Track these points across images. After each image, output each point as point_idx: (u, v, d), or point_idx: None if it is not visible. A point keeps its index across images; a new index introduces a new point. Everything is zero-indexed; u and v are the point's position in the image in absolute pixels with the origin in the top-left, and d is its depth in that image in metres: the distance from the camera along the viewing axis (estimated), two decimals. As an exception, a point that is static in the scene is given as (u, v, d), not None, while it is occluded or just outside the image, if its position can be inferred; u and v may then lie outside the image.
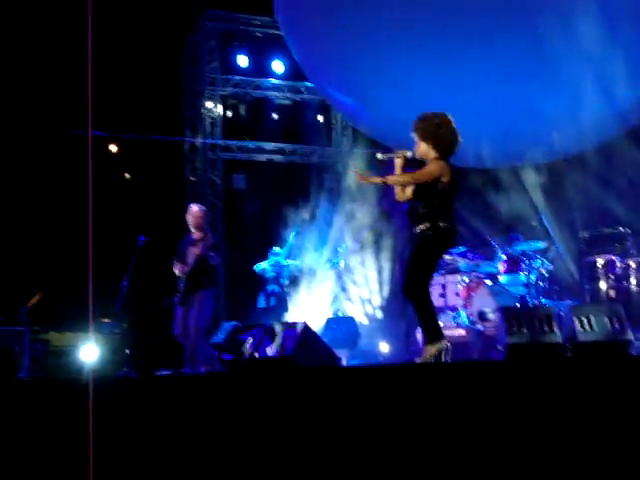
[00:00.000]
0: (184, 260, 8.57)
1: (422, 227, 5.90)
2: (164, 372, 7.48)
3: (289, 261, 11.79)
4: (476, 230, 11.91)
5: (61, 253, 10.77)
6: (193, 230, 8.74)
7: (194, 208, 8.85)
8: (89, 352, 8.46)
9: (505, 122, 10.60)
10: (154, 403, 5.06)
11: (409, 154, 6.04)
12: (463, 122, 10.41)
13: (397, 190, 6.11)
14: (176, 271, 8.51)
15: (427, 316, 5.97)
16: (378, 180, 6.04)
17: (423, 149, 6.00)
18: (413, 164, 6.07)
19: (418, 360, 5.88)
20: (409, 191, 6.02)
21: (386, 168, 6.13)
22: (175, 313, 8.55)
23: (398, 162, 6.07)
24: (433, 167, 5.90)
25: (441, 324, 9.88)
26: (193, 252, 8.47)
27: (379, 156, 6.13)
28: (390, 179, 6.00)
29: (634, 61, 9.67)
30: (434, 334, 5.92)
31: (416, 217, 5.94)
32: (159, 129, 13.07)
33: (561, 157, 11.57)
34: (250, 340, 6.10)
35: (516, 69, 10.12)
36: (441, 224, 5.86)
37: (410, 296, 5.93)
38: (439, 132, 5.97)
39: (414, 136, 6.02)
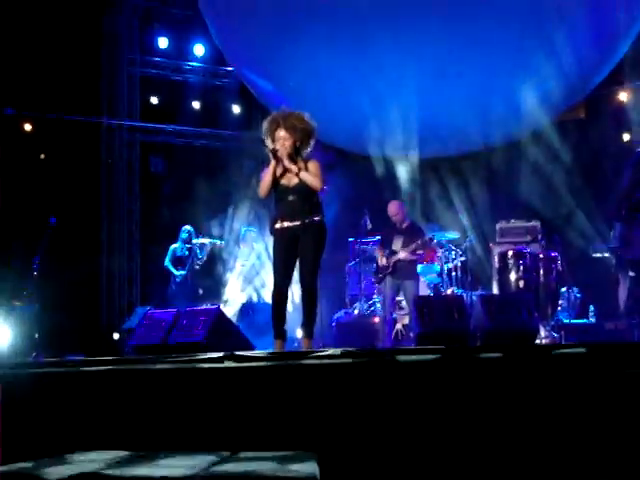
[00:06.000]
0: (389, 247, 8.89)
1: (317, 218, 6.07)
2: (74, 356, 7.37)
3: (201, 240, 11.79)
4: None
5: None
6: (398, 224, 9.01)
7: (393, 209, 9.03)
8: (-2, 335, 8.29)
9: (422, 113, 10.75)
10: (64, 387, 4.99)
11: (286, 151, 6.08)
12: (382, 111, 10.59)
13: (266, 186, 6.13)
14: (382, 258, 8.88)
15: (316, 310, 6.15)
16: (294, 168, 6.05)
17: (292, 148, 6.08)
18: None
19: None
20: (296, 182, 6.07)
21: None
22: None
23: (275, 160, 6.07)
24: (319, 166, 6.12)
25: (356, 311, 10.14)
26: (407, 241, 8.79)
27: (269, 148, 6.12)
28: (306, 174, 6.03)
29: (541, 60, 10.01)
30: (313, 329, 6.12)
31: (310, 209, 6.05)
32: (76, 109, 12.80)
33: (475, 150, 11.80)
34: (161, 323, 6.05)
35: (436, 62, 10.28)
36: (324, 218, 6.16)
37: (314, 287, 6.05)
38: (312, 137, 6.17)
39: (285, 132, 6.05)
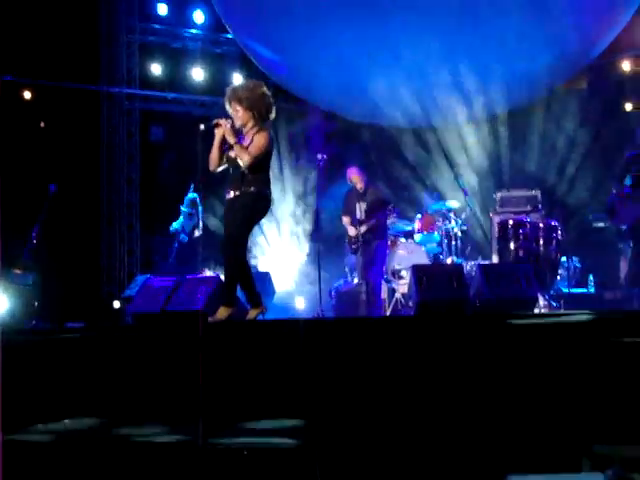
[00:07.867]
0: (351, 213, 8.87)
1: (252, 190, 6.04)
2: (74, 324, 7.39)
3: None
4: (394, 189, 12.04)
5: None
6: (360, 189, 8.90)
7: (354, 175, 8.89)
8: (-2, 303, 8.31)
9: (426, 84, 10.67)
10: (63, 355, 5.00)
11: (229, 124, 6.13)
12: (385, 79, 10.52)
13: (213, 159, 6.24)
14: (346, 224, 8.91)
15: (232, 280, 6.08)
16: (232, 140, 6.06)
17: (246, 118, 6.15)
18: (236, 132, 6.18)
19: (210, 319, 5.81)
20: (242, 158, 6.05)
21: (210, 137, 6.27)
22: (350, 261, 9.92)
23: (219, 131, 6.16)
24: (264, 140, 6.08)
25: (355, 281, 10.14)
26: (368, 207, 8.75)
27: (202, 127, 6.35)
28: (238, 147, 6.04)
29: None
30: (231, 298, 6.06)
31: (242, 182, 6.04)
32: (75, 77, 12.70)
33: (476, 119, 11.74)
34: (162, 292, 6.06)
35: (441, 26, 10.18)
36: (265, 191, 6.11)
37: (227, 254, 6.05)
38: (263, 102, 6.18)
39: (234, 105, 6.14)
